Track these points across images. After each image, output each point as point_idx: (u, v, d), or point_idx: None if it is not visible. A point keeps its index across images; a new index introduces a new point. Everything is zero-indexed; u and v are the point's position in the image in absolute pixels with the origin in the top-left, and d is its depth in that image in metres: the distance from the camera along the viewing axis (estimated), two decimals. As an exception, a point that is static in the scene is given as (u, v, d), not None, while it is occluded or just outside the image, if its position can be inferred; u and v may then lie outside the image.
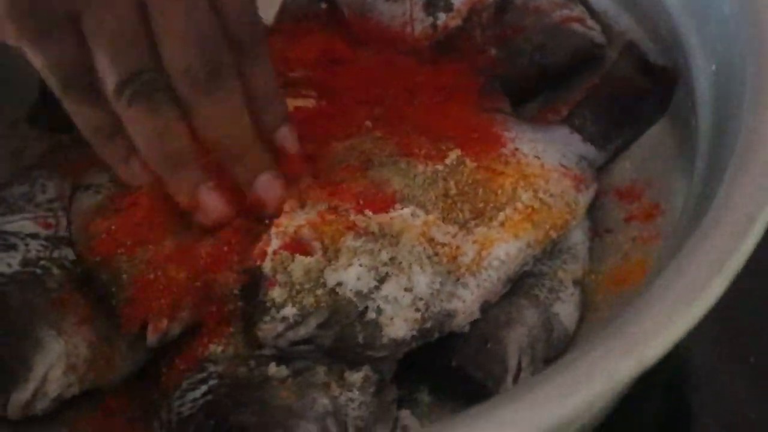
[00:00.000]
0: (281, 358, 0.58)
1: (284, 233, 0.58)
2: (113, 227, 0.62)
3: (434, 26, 0.74)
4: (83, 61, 0.56)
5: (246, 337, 0.59)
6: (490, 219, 0.60)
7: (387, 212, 0.59)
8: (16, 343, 0.59)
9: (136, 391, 0.62)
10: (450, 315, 0.57)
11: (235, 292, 0.60)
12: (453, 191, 0.60)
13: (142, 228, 0.61)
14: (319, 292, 0.56)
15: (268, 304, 0.56)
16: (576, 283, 0.61)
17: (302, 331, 0.56)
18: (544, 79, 0.72)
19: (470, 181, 0.61)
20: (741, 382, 0.64)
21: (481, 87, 0.69)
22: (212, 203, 0.60)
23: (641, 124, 0.68)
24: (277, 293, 0.56)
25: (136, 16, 0.55)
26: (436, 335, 0.57)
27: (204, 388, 0.57)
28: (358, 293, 0.56)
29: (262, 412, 0.55)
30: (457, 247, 0.58)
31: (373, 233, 0.58)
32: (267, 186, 0.60)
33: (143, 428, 0.61)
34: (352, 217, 0.59)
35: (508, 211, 0.60)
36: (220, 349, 0.59)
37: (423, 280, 0.57)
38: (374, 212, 0.59)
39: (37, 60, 0.56)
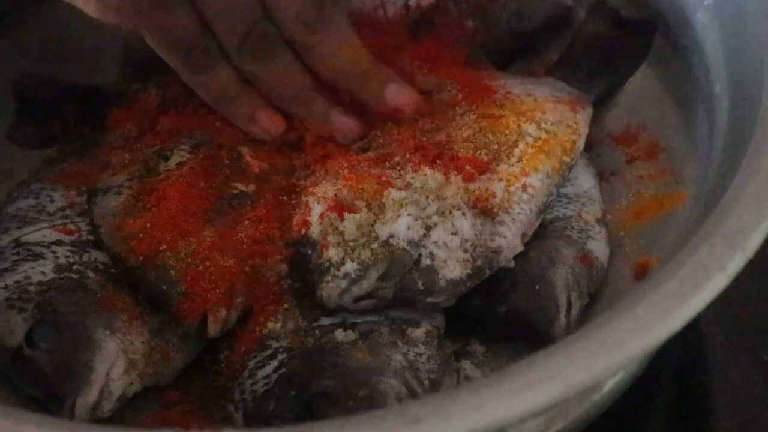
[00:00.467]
0: (345, 324, 0.59)
1: (324, 198, 0.60)
2: (149, 224, 0.61)
3: (407, 6, 0.76)
4: (200, 31, 0.60)
5: (300, 310, 0.60)
6: (507, 157, 0.62)
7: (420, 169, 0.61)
8: (73, 347, 0.58)
9: (191, 381, 0.62)
10: (496, 252, 0.60)
11: (283, 271, 0.61)
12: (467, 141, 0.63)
13: (178, 221, 0.61)
14: (374, 245, 0.58)
15: (326, 265, 0.58)
16: (599, 222, 0.65)
17: (365, 285, 0.57)
18: (521, 45, 0.76)
19: (478, 129, 0.64)
20: (754, 380, 0.65)
21: (466, 57, 0.72)
22: (347, 123, 0.64)
23: (621, 73, 0.72)
24: (333, 253, 0.58)
25: None
26: (488, 272, 0.60)
27: (274, 363, 0.58)
28: (411, 242, 0.58)
29: (341, 374, 0.56)
30: (487, 189, 0.61)
31: (411, 185, 0.60)
32: (399, 92, 0.65)
33: (203, 417, 0.60)
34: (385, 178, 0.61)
35: (521, 146, 0.63)
36: (278, 325, 0.60)
37: (466, 224, 0.59)
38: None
39: (157, 40, 0.61)
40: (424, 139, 0.63)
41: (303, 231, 0.60)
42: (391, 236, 0.58)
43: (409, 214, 0.58)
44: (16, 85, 0.75)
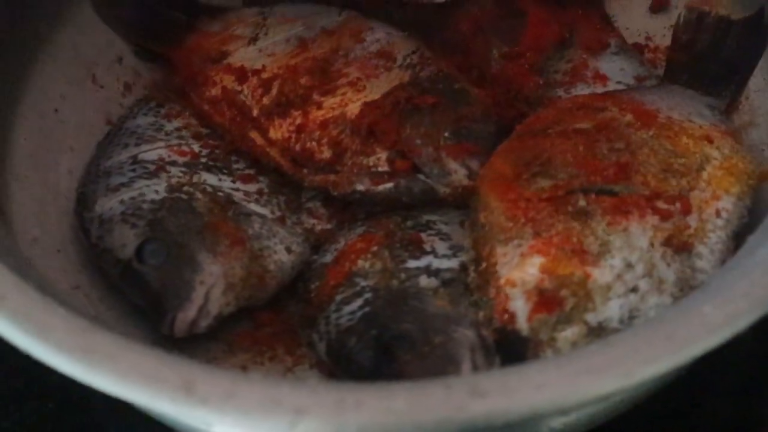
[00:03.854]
0: (429, 270, 0.62)
1: (526, 291, 0.57)
2: None
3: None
4: None
5: (389, 250, 0.64)
6: (697, 182, 0.61)
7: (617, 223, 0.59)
8: (178, 266, 0.63)
9: (283, 305, 0.67)
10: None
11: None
12: (654, 163, 0.62)
13: None
14: (589, 337, 0.56)
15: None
16: None
17: None
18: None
19: (660, 150, 0.62)
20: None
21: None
22: None
23: (745, 70, 0.71)
24: (550, 354, 0.56)
25: None
26: None
27: (360, 301, 0.62)
28: (622, 320, 0.57)
29: (421, 320, 0.60)
30: (681, 222, 0.59)
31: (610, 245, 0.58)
32: None
33: (289, 339, 0.65)
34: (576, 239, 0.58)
35: (708, 169, 0.61)
36: (367, 264, 0.63)
37: (670, 273, 0.58)
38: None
39: None
40: (606, 160, 0.61)
41: (509, 326, 0.57)
42: (604, 321, 0.56)
43: (618, 296, 0.56)
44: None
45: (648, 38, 0.78)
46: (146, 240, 0.64)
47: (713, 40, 0.71)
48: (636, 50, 0.77)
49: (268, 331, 0.66)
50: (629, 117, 0.65)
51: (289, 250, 0.66)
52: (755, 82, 0.71)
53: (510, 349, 0.58)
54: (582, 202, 0.60)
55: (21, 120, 0.71)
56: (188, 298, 0.62)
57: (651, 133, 0.64)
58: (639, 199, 0.60)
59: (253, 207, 0.67)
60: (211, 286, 0.63)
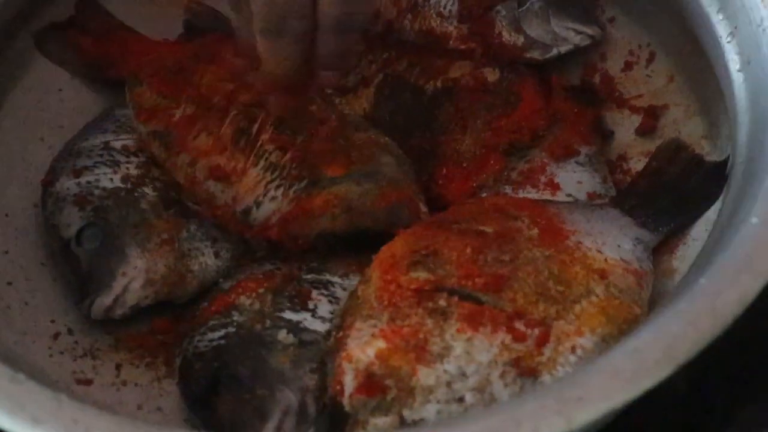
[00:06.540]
0: (296, 327, 0.65)
1: (356, 369, 0.59)
2: None
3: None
4: None
5: (273, 297, 0.67)
6: (566, 312, 0.60)
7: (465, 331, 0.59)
8: (107, 255, 0.70)
9: (181, 319, 0.71)
10: None
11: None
12: (531, 284, 0.62)
13: None
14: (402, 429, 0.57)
15: None
16: None
17: None
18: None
19: (545, 273, 0.62)
20: None
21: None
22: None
23: (696, 212, 0.70)
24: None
25: None
26: None
27: (222, 332, 0.66)
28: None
29: (257, 368, 0.63)
30: (534, 347, 0.59)
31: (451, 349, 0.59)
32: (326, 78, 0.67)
33: (173, 351, 0.69)
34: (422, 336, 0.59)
35: (584, 303, 0.61)
36: (248, 302, 0.67)
37: (504, 394, 0.58)
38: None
39: None
40: (486, 268, 0.62)
41: (337, 397, 0.59)
42: (419, 421, 0.57)
43: (438, 401, 0.57)
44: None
45: (624, 159, 0.77)
46: (88, 224, 0.70)
47: (680, 173, 0.71)
48: (607, 165, 0.76)
49: (159, 339, 0.71)
50: (534, 232, 0.65)
51: (217, 254, 0.72)
52: (697, 230, 0.69)
53: (334, 419, 0.60)
54: (443, 303, 0.61)
55: (24, 90, 0.79)
56: (108, 286, 0.69)
57: (547, 253, 0.63)
58: (499, 314, 0.60)
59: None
60: (132, 279, 0.69)
